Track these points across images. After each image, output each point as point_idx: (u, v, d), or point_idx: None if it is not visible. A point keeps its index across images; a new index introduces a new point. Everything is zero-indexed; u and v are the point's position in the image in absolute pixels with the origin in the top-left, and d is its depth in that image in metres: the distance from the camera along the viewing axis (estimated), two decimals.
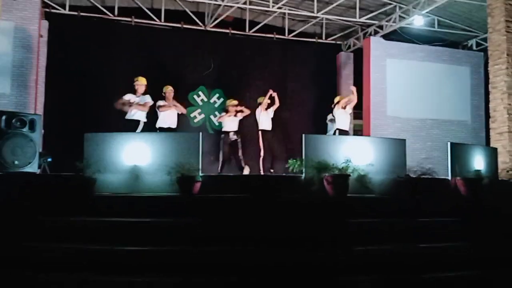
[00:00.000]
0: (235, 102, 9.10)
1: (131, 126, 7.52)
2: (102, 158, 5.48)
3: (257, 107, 9.20)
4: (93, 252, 4.30)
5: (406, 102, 11.45)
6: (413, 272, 4.26)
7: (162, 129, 8.00)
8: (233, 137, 8.78)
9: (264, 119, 9.10)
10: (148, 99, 7.72)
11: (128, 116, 7.65)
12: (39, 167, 6.73)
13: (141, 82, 7.83)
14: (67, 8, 10.56)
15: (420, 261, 4.44)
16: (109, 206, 4.98)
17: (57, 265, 4.11)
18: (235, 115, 8.92)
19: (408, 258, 4.46)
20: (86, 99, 9.84)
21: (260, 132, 9.13)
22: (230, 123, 8.89)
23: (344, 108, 8.96)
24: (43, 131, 6.89)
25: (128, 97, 7.70)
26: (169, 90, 8.26)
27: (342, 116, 8.92)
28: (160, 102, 8.13)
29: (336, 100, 9.16)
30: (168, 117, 8.13)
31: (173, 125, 8.20)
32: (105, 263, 4.15)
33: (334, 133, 8.95)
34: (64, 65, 10.02)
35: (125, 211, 4.85)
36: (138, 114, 7.65)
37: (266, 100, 9.12)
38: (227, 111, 9.07)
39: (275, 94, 9.25)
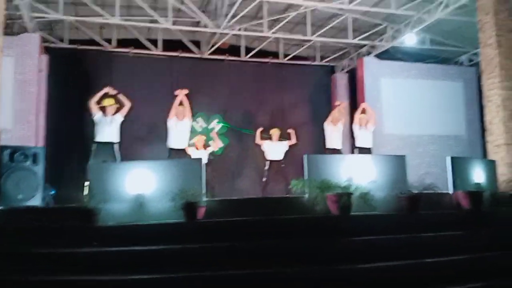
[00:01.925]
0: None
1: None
2: (106, 188, 5.52)
3: (269, 138, 9.37)
4: (100, 283, 4.30)
5: (402, 120, 11.59)
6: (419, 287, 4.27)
7: (173, 150, 7.90)
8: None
9: (276, 150, 9.27)
10: (120, 114, 7.61)
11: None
12: (42, 200, 6.77)
13: (109, 104, 7.63)
14: (66, 42, 10.75)
15: (427, 275, 4.46)
16: (114, 236, 4.99)
17: None
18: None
19: (414, 274, 4.47)
20: (86, 130, 9.91)
21: (268, 162, 9.26)
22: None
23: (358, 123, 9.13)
24: (45, 164, 6.94)
25: (98, 116, 7.53)
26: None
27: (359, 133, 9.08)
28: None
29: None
30: (179, 137, 7.99)
31: (185, 145, 8.11)
32: None
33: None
34: (64, 98, 10.20)
35: (130, 240, 4.85)
36: (112, 135, 7.49)
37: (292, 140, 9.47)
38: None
39: (293, 132, 9.47)
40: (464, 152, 11.09)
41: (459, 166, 6.43)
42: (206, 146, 9.63)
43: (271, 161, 9.21)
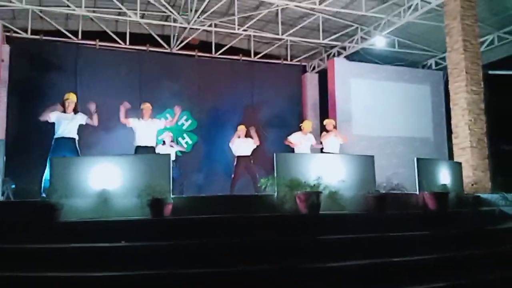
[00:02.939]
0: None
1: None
2: (69, 182, 5.32)
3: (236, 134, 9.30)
4: (60, 279, 4.13)
5: (371, 121, 11.69)
6: (386, 287, 4.28)
7: (140, 148, 7.70)
8: None
9: (243, 146, 9.21)
10: (83, 117, 7.35)
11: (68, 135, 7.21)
12: (2, 194, 6.49)
13: (72, 100, 7.37)
14: (29, 32, 10.38)
15: (393, 274, 4.47)
16: (76, 232, 4.81)
17: None
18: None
19: (381, 272, 4.48)
20: (48, 123, 9.59)
21: (236, 158, 9.21)
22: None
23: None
24: (4, 157, 6.66)
25: (56, 114, 7.23)
26: (146, 106, 7.98)
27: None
28: (134, 121, 7.83)
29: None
30: (146, 135, 7.81)
31: (153, 143, 7.94)
32: None
33: None
34: (25, 90, 9.83)
35: (94, 237, 4.69)
36: (73, 132, 7.24)
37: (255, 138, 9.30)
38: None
39: (254, 132, 9.34)
40: (431, 154, 11.29)
41: (425, 167, 6.53)
42: (173, 142, 9.50)
43: (238, 157, 9.14)
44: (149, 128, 7.88)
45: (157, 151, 8.68)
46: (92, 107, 7.32)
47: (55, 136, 7.16)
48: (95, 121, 7.38)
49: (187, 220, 5.02)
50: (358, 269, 4.50)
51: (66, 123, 7.14)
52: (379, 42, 11.44)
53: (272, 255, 4.48)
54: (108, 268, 4.22)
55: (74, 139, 7.23)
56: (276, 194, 5.60)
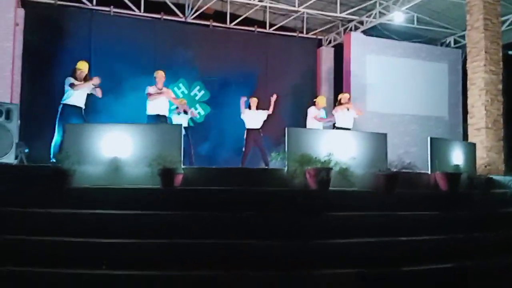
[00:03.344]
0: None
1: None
2: (82, 149, 5.36)
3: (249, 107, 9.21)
4: (70, 244, 4.21)
5: (385, 98, 11.56)
6: (392, 265, 4.29)
7: (153, 117, 7.70)
8: None
9: (254, 118, 9.13)
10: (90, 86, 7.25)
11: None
12: (15, 158, 6.58)
13: (83, 70, 7.25)
14: None
15: (400, 254, 4.48)
16: (87, 198, 4.87)
17: (33, 258, 4.00)
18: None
19: (388, 251, 4.49)
20: (63, 89, 9.62)
21: (246, 131, 9.18)
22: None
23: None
24: (19, 121, 6.72)
25: (70, 81, 7.14)
26: (160, 75, 7.87)
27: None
28: (150, 89, 7.75)
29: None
30: (159, 104, 7.78)
31: (165, 112, 7.90)
32: (82, 256, 4.06)
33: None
34: (40, 54, 9.81)
35: (104, 204, 4.75)
36: (81, 101, 7.21)
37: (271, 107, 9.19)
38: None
39: (273, 99, 9.22)
40: (445, 134, 11.15)
41: (438, 147, 6.46)
42: (189, 108, 9.44)
43: (248, 130, 9.12)
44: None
45: (173, 119, 8.69)
46: (96, 81, 7.23)
47: (64, 102, 7.11)
48: (99, 94, 7.33)
49: (196, 191, 5.04)
50: (365, 247, 4.52)
51: (76, 92, 7.12)
52: (397, 17, 11.20)
53: (280, 230, 4.51)
54: (116, 235, 4.29)
55: (81, 108, 7.19)
56: (286, 168, 5.59)
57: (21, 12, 9.94)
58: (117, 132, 5.59)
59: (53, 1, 10.33)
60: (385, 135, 6.31)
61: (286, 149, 5.72)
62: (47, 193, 4.80)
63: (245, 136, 9.14)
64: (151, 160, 5.09)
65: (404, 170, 5.74)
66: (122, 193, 5.00)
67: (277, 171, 5.75)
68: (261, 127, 9.19)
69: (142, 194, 5.00)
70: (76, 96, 7.12)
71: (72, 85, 7.06)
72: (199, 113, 11.18)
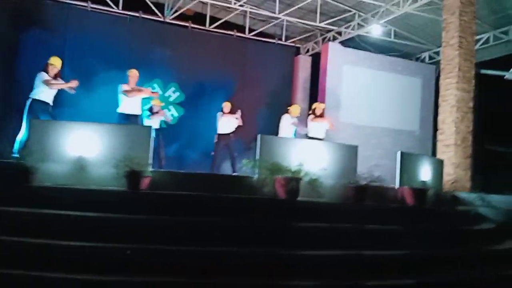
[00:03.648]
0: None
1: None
2: (47, 146, 5.21)
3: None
4: (29, 246, 4.06)
5: (360, 109, 11.65)
6: (356, 279, 4.28)
7: (124, 116, 7.55)
8: None
9: (226, 123, 9.11)
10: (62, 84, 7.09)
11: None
12: None
13: (56, 65, 7.05)
14: None
15: (365, 267, 4.48)
16: (49, 197, 4.72)
17: None
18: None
19: (353, 264, 4.49)
20: (24, 83, 9.31)
21: (217, 135, 9.13)
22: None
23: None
24: None
25: (42, 76, 6.90)
26: (133, 73, 7.76)
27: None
28: (124, 86, 7.60)
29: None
30: (133, 103, 7.65)
31: (138, 111, 7.78)
32: (41, 258, 3.92)
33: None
34: (10, 46, 9.53)
35: (67, 204, 4.60)
36: (50, 97, 7.00)
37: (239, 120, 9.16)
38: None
39: (239, 114, 9.18)
40: (415, 148, 11.32)
41: (408, 161, 6.52)
42: (162, 110, 9.32)
43: (219, 135, 9.06)
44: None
45: (145, 120, 8.56)
46: (74, 85, 7.04)
47: (34, 97, 6.85)
48: (72, 91, 7.13)
49: (163, 195, 4.95)
50: (331, 259, 4.50)
51: (47, 88, 6.92)
52: (375, 30, 11.35)
53: (247, 238, 4.45)
54: (79, 238, 4.16)
55: (49, 105, 6.96)
56: (257, 176, 5.55)
57: None
58: (84, 130, 5.46)
59: None
60: (356, 147, 6.35)
61: (257, 156, 5.69)
62: (7, 191, 4.63)
63: (215, 140, 9.07)
64: (118, 161, 4.96)
65: (372, 183, 5.77)
66: (86, 194, 4.86)
67: (247, 179, 5.71)
68: (233, 132, 9.15)
69: (106, 196, 4.87)
70: (46, 92, 6.89)
71: (47, 82, 6.86)
72: (172, 114, 11.03)
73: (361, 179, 5.87)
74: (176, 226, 4.46)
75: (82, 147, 5.32)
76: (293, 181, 5.24)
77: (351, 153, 6.28)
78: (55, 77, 7.01)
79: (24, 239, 4.09)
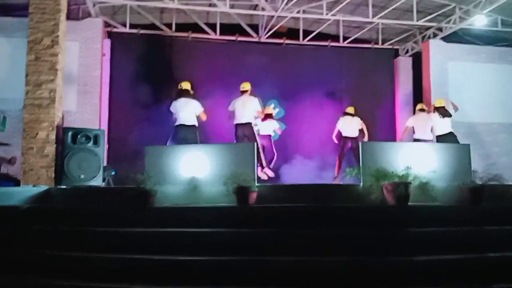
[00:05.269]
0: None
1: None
2: (162, 170, 5.62)
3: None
4: (153, 262, 4.39)
5: (470, 106, 10.96)
6: (481, 283, 4.03)
7: (239, 125, 7.97)
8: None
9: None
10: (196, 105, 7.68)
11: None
12: (103, 180, 7.02)
13: (186, 86, 7.74)
14: (127, 26, 11.01)
15: (489, 271, 4.20)
16: (168, 217, 5.08)
17: (116, 275, 4.22)
18: None
19: (475, 268, 4.23)
20: (147, 113, 10.17)
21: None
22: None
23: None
24: (107, 145, 7.18)
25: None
26: (246, 84, 8.30)
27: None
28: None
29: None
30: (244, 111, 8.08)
31: (250, 119, 8.12)
32: (164, 273, 4.22)
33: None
34: (126, 81, 10.49)
35: (184, 222, 4.92)
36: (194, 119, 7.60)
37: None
38: None
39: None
40: None
41: None
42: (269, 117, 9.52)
43: (345, 137, 9.32)
44: (249, 103, 8.03)
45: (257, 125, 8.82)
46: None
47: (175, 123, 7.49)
48: (203, 117, 7.72)
49: (271, 209, 5.07)
50: (449, 264, 4.28)
51: (182, 110, 7.47)
52: (479, 21, 10.67)
53: (358, 247, 4.40)
54: (195, 253, 4.41)
55: (194, 126, 7.50)
56: (361, 184, 5.47)
57: (108, 42, 10.70)
58: (194, 152, 5.81)
59: (135, 31, 11.02)
60: (467, 146, 6.00)
61: (361, 163, 5.62)
62: (131, 213, 5.06)
63: (341, 144, 9.28)
64: (226, 178, 5.21)
65: (490, 182, 5.39)
66: (200, 212, 5.15)
67: (352, 187, 5.64)
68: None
69: (219, 212, 5.12)
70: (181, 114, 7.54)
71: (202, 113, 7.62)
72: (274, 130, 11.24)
73: (478, 179, 5.53)
74: (286, 237, 4.54)
75: (194, 168, 5.65)
76: (402, 186, 5.08)
77: (463, 152, 5.93)
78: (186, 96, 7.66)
79: (147, 256, 4.44)
